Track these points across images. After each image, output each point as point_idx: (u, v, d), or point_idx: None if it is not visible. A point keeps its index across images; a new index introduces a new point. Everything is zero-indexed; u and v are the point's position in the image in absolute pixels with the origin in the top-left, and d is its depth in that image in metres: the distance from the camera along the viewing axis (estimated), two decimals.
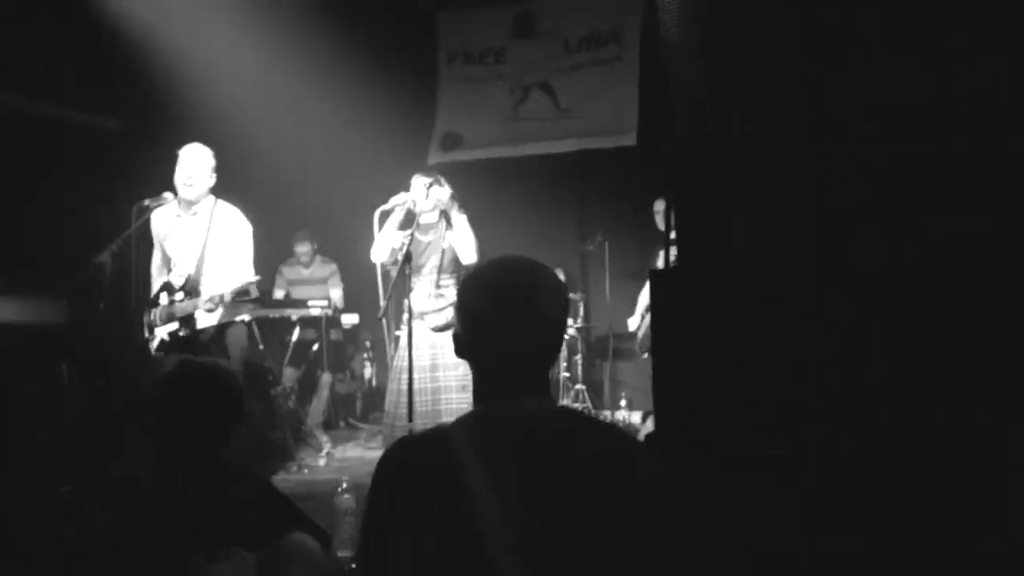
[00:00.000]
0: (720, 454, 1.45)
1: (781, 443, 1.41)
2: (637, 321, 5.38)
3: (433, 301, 3.77)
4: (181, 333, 3.44)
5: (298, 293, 5.78)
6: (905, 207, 1.41)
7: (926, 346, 1.33)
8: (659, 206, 4.94)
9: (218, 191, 3.74)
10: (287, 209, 5.93)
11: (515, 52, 6.54)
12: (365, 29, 6.07)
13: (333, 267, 6.06)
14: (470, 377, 1.27)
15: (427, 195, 3.83)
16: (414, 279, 3.79)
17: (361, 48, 5.99)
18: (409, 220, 3.85)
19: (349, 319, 6.30)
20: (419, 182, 3.91)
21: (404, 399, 3.45)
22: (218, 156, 3.72)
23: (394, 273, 3.68)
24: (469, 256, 3.85)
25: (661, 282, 1.57)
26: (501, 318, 1.18)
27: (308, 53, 5.93)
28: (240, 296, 3.27)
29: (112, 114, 5.62)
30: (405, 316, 3.62)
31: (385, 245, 3.85)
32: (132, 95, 5.54)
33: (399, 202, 3.83)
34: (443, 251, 3.90)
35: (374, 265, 3.98)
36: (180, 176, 3.54)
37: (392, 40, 6.34)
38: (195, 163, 3.55)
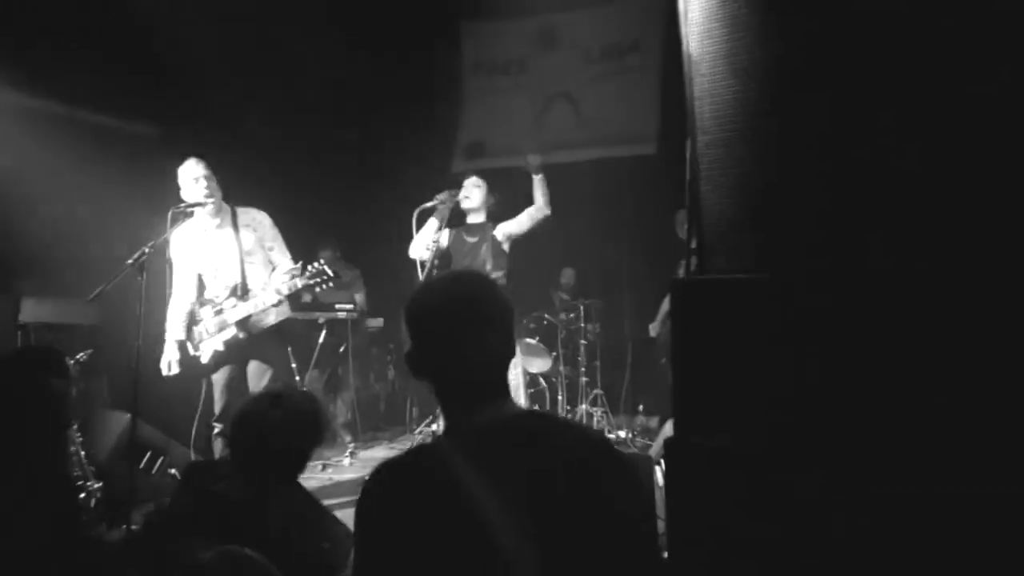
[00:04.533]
0: (739, 459, 1.49)
1: (799, 448, 1.44)
2: (658, 327, 5.43)
3: None
4: (241, 335, 3.53)
5: (323, 297, 5.90)
6: (917, 210, 1.45)
7: (954, 349, 1.36)
8: (681, 216, 4.98)
9: (239, 198, 3.75)
10: (311, 215, 6.05)
11: (538, 62, 6.63)
12: (391, 40, 6.18)
13: (356, 272, 6.18)
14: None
15: (473, 193, 4.06)
16: None
17: (386, 58, 6.10)
18: (450, 218, 4.02)
19: (374, 323, 6.41)
20: (471, 182, 4.15)
21: None
22: (244, 163, 3.81)
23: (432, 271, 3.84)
24: (543, 206, 4.06)
25: (681, 291, 1.62)
26: (455, 325, 1.21)
27: (335, 61, 6.06)
28: (313, 277, 3.42)
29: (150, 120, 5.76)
30: None
31: (423, 242, 4.02)
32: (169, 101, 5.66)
33: (443, 199, 4.01)
34: (485, 253, 4.08)
35: (397, 269, 4.10)
36: (197, 195, 3.52)
37: (417, 51, 6.44)
38: (197, 178, 3.54)
